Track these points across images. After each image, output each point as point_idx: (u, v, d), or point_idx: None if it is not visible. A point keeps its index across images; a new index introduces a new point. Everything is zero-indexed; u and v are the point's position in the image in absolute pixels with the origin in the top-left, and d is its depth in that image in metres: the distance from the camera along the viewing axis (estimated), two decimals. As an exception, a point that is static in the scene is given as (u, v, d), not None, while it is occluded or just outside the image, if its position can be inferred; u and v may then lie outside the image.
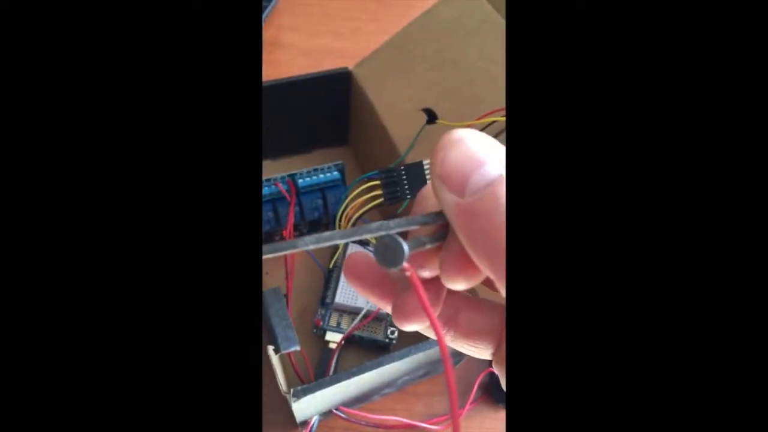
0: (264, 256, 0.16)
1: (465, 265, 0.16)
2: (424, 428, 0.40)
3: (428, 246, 0.16)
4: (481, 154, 0.15)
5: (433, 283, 0.17)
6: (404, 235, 0.16)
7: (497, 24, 0.42)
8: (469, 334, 0.18)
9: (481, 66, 0.42)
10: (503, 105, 0.36)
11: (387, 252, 0.15)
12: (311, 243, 0.15)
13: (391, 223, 0.15)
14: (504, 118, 0.35)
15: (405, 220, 0.16)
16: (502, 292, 0.15)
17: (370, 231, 0.15)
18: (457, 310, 0.18)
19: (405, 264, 0.15)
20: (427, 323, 0.17)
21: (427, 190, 0.18)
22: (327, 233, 0.16)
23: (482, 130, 0.35)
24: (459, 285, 0.16)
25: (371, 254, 0.17)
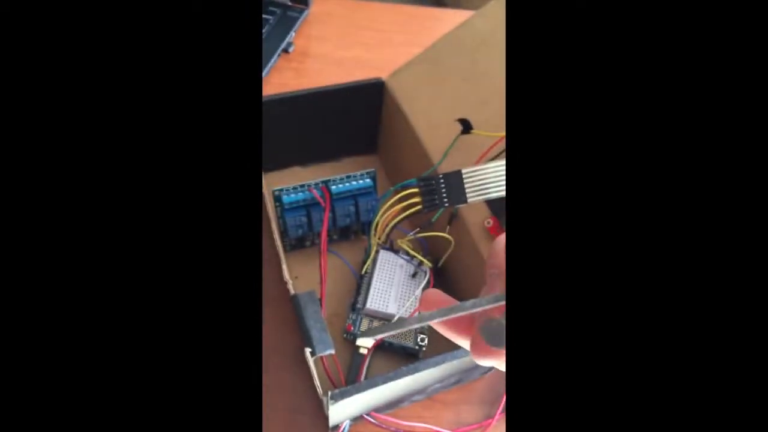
0: (375, 337, 0.19)
1: None
2: (452, 436, 0.40)
3: None
4: None
5: None
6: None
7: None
8: None
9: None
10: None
11: (494, 336, 0.18)
12: (415, 322, 0.19)
13: (483, 300, 0.19)
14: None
15: (494, 297, 0.19)
16: None
17: (465, 309, 0.19)
18: None
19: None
20: (502, 359, 0.19)
21: (500, 244, 0.20)
22: (427, 312, 0.19)
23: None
24: None
25: (445, 294, 0.21)
